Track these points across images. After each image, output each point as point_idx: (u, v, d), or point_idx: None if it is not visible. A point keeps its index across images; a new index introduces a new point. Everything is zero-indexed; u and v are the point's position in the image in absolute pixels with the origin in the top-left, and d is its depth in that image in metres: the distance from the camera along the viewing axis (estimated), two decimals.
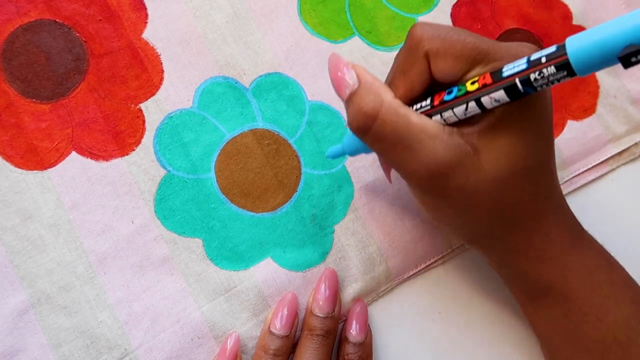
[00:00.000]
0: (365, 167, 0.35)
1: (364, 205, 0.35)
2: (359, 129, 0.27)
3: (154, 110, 0.34)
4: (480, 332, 0.35)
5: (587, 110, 0.39)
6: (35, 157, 0.32)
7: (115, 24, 0.34)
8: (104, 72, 0.34)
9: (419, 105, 0.27)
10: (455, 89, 0.26)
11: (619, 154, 0.39)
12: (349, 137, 0.31)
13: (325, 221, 0.34)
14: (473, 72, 0.25)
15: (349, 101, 0.27)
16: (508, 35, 0.39)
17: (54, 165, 0.32)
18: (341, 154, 0.32)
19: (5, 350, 0.30)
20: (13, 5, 0.33)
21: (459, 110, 0.25)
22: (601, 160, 0.38)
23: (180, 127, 0.34)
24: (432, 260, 0.35)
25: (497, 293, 0.35)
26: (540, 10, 0.40)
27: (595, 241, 0.30)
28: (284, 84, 0.36)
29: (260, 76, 0.36)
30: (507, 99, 0.24)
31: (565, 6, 0.40)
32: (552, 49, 0.22)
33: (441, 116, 0.26)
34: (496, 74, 0.24)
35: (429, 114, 0.26)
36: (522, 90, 0.23)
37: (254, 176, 0.34)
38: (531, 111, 0.26)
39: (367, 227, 0.35)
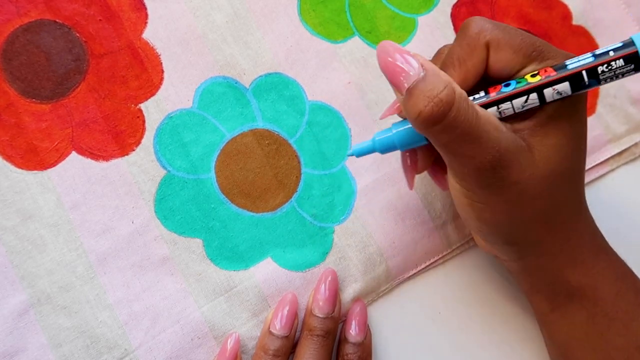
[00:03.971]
0: (365, 167, 0.35)
1: (364, 205, 0.35)
2: (431, 117, 0.24)
3: (154, 110, 0.34)
4: (480, 332, 0.35)
5: (586, 110, 0.39)
6: (35, 157, 0.32)
7: (115, 24, 0.34)
8: (104, 72, 0.34)
9: (471, 98, 0.27)
10: (513, 82, 0.26)
11: (619, 154, 0.39)
12: (402, 130, 0.28)
13: (325, 221, 0.34)
14: (528, 69, 0.26)
15: (414, 89, 0.25)
16: None
17: (54, 165, 0.32)
18: (390, 146, 0.29)
19: (5, 350, 0.30)
20: (13, 5, 0.33)
21: (518, 102, 0.26)
22: (601, 160, 0.38)
23: (180, 127, 0.34)
24: (432, 260, 0.35)
25: (497, 293, 0.35)
26: (540, 10, 0.40)
27: (614, 250, 0.30)
28: (284, 84, 0.36)
29: (260, 76, 0.36)
30: (569, 92, 0.25)
31: (565, 6, 0.40)
32: (617, 44, 0.24)
33: (498, 108, 0.26)
34: (560, 67, 0.25)
35: (483, 106, 0.26)
36: (587, 82, 0.25)
37: (254, 176, 0.34)
38: (577, 114, 0.27)
39: (367, 227, 0.35)
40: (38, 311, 0.31)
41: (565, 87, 0.25)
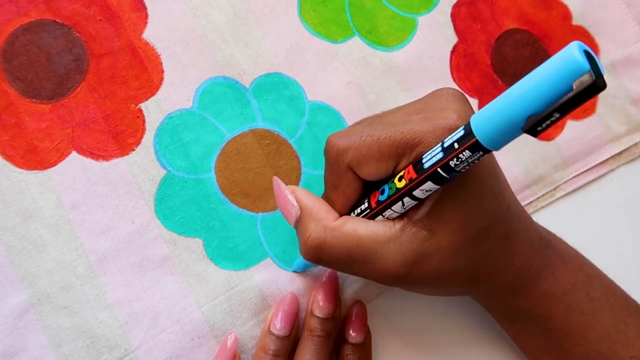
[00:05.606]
0: None
1: None
2: (310, 259, 0.27)
3: (154, 110, 0.34)
4: (481, 332, 0.35)
5: (587, 110, 0.39)
6: (35, 157, 0.32)
7: (115, 24, 0.34)
8: (104, 72, 0.34)
9: (359, 210, 0.27)
10: (386, 188, 0.26)
11: (619, 154, 0.39)
12: None
13: None
14: (402, 165, 0.25)
15: (296, 229, 0.28)
16: (508, 36, 0.39)
17: (54, 165, 0.32)
18: (307, 266, 0.33)
19: (5, 350, 0.30)
20: (13, 5, 0.33)
21: (397, 207, 0.26)
22: (601, 160, 0.38)
23: (180, 127, 0.34)
24: None
25: None
26: (540, 11, 0.40)
27: (570, 255, 0.30)
28: (284, 84, 0.36)
29: (260, 76, 0.36)
30: (438, 186, 0.24)
31: (565, 6, 0.40)
32: (460, 132, 0.22)
33: (383, 216, 0.26)
34: (418, 167, 0.24)
35: (371, 217, 0.27)
36: (447, 176, 0.23)
37: (254, 176, 0.34)
38: (468, 177, 0.25)
39: None
40: (38, 311, 0.31)
41: (430, 185, 0.24)
